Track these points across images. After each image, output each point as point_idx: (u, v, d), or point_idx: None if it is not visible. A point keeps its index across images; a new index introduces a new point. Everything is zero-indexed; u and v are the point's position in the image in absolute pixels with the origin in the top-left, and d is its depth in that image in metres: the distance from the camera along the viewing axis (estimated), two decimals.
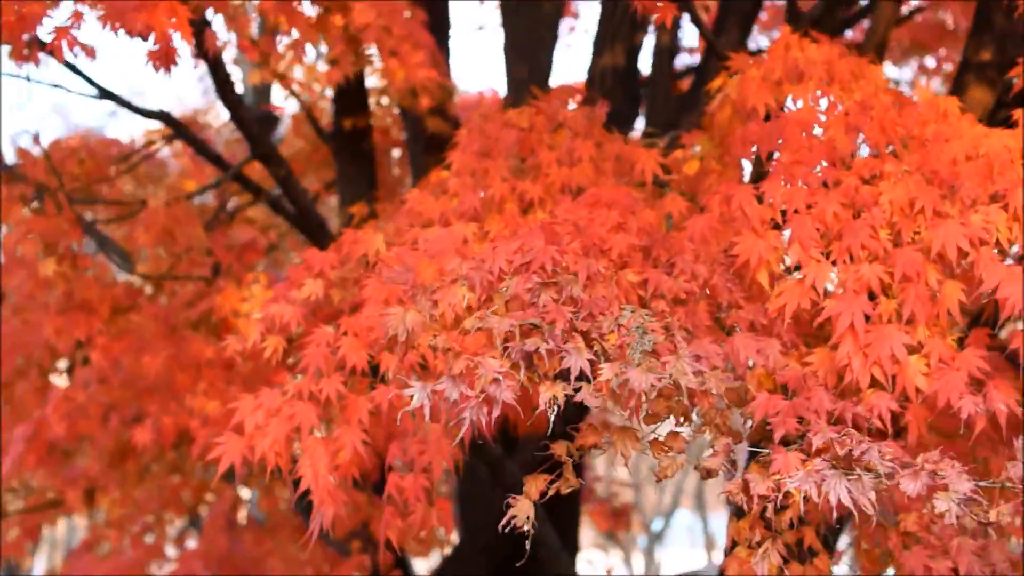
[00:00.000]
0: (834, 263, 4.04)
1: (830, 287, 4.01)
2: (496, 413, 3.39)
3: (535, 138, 4.88)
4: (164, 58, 5.06)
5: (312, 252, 4.64)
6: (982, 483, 3.57)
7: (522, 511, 3.64)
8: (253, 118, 6.34)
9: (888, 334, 3.87)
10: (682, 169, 4.92)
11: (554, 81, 7.82)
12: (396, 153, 8.71)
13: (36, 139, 6.26)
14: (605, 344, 3.52)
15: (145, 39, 4.94)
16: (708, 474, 3.72)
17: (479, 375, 3.37)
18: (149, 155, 6.75)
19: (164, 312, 6.37)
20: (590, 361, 3.45)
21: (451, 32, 8.01)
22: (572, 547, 7.44)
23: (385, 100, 7.97)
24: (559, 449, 3.70)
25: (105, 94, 6.08)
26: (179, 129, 6.33)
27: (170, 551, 8.59)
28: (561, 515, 6.81)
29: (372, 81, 7.71)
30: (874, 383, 3.89)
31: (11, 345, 6.51)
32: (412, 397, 3.39)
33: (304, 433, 4.04)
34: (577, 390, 3.44)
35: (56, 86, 5.95)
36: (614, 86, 7.05)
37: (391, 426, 4.24)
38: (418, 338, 3.71)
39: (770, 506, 3.59)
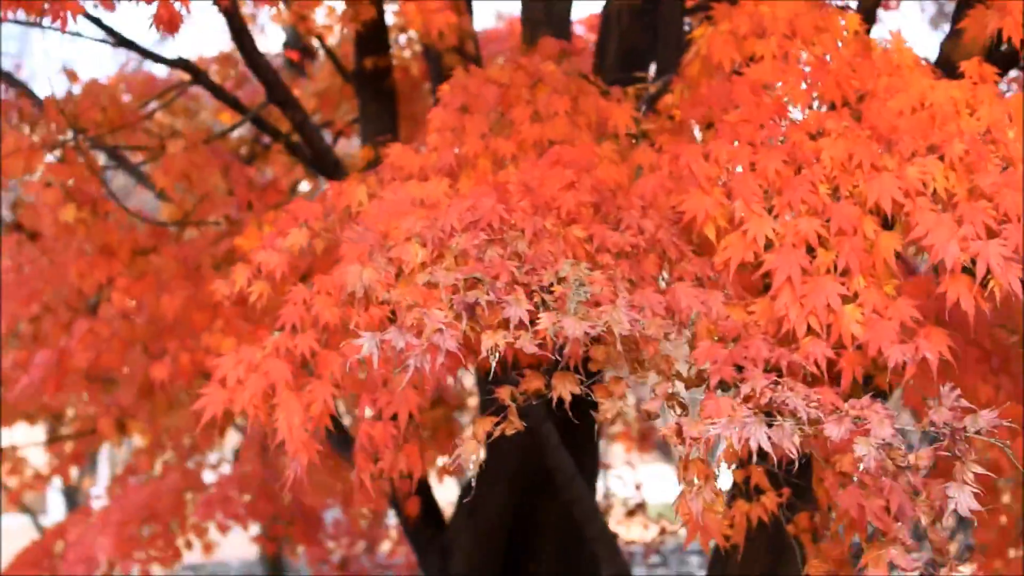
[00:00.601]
0: (776, 218, 4.25)
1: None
2: (440, 360, 3.66)
3: (514, 94, 5.09)
4: (168, 22, 5.29)
5: (298, 202, 4.89)
6: (908, 428, 3.79)
7: (467, 451, 3.92)
8: (269, 64, 6.57)
9: (823, 285, 4.09)
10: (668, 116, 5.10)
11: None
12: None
13: (73, 75, 6.56)
14: (546, 296, 3.78)
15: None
16: (649, 416, 3.97)
17: (425, 325, 3.64)
18: (179, 94, 6.99)
19: (185, 253, 6.65)
20: (531, 311, 3.72)
21: None
22: (591, 472, 7.66)
23: (404, 39, 8.16)
24: (503, 393, 3.96)
25: (122, 42, 6.32)
26: (197, 75, 6.57)
27: (208, 477, 8.97)
28: (577, 443, 7.02)
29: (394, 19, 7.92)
30: (812, 332, 4.10)
31: (40, 283, 6.84)
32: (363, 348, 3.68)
33: (279, 388, 4.30)
34: (518, 339, 3.70)
35: (76, 34, 6.18)
36: (631, 24, 7.13)
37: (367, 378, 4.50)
38: (376, 294, 3.98)
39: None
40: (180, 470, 8.41)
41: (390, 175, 4.90)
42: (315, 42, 8.29)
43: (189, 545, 8.47)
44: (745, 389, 3.75)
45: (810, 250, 4.17)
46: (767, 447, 3.59)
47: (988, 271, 3.98)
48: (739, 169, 4.35)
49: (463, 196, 4.11)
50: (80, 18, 5.20)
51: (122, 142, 6.54)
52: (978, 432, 3.76)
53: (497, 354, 3.65)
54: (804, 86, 4.72)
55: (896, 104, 4.49)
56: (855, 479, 4.10)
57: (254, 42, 6.40)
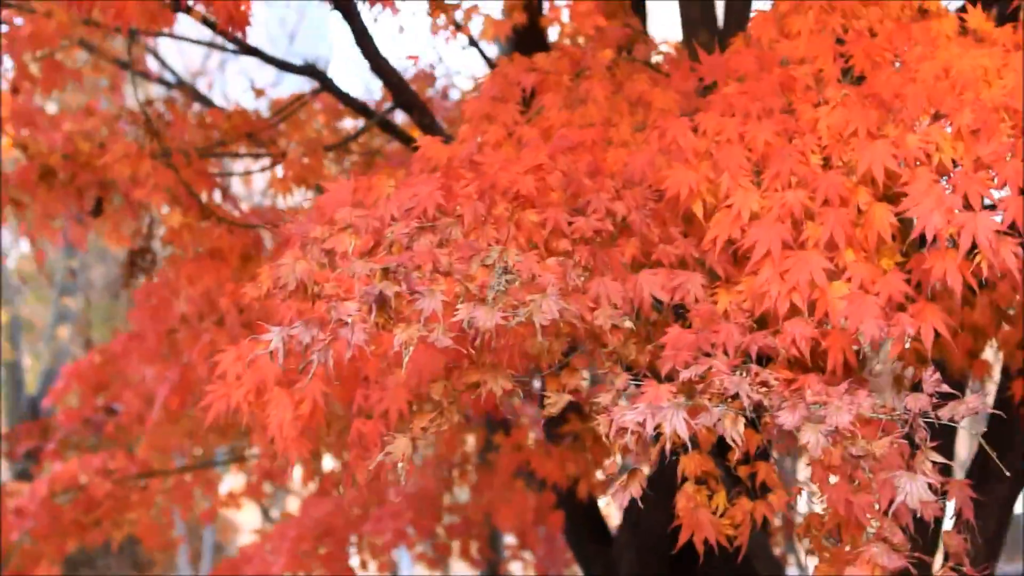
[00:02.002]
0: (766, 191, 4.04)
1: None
2: (348, 355, 3.58)
3: (553, 80, 4.97)
4: (234, 20, 5.35)
5: (325, 198, 4.87)
6: (877, 415, 3.56)
7: (398, 449, 3.82)
8: (392, 67, 6.58)
9: (808, 259, 3.87)
10: None
11: None
12: None
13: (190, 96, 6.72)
14: (468, 285, 3.66)
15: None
16: (601, 410, 3.80)
17: (330, 318, 3.57)
18: (301, 105, 7.07)
19: None
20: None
21: None
22: None
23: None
24: (436, 390, 3.85)
25: (248, 49, 6.45)
26: (325, 81, 6.65)
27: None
28: None
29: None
30: (799, 312, 3.89)
31: (167, 293, 6.98)
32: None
33: (269, 385, 4.28)
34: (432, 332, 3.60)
35: (197, 42, 6.34)
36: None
37: (360, 373, 4.44)
38: (312, 286, 3.91)
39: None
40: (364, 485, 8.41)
41: (419, 167, 4.83)
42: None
43: (364, 564, 8.48)
44: (685, 375, 3.57)
45: (799, 224, 3.93)
46: (683, 434, 3.41)
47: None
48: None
49: (410, 183, 4.00)
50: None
51: (243, 149, 6.64)
52: (952, 420, 3.53)
53: (410, 350, 3.55)
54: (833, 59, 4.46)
55: (921, 73, 4.21)
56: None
57: (375, 45, 6.41)
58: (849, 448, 3.51)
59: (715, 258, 4.02)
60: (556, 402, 3.82)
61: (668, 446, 3.49)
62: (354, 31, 6.39)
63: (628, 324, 3.82)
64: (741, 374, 3.59)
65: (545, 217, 3.95)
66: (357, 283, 3.64)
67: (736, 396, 3.51)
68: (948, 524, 4.06)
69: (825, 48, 4.50)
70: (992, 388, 6.10)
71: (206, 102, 7.94)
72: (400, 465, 3.75)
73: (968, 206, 3.78)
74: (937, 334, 3.83)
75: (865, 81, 4.24)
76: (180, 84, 8.27)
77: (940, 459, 3.52)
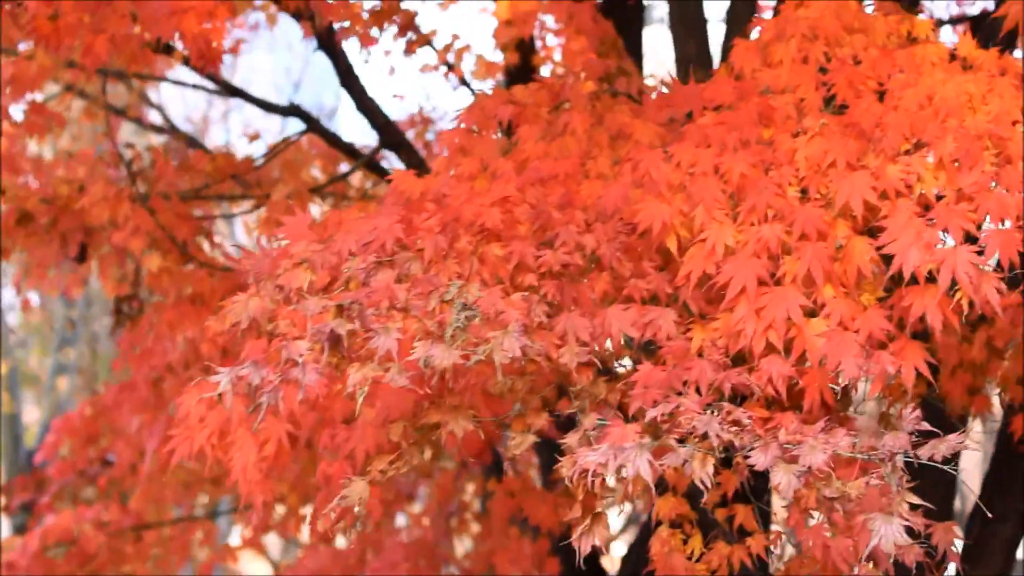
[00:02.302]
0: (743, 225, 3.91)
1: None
2: (300, 397, 3.45)
3: (531, 112, 4.84)
4: (206, 58, 5.26)
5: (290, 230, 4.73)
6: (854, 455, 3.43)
7: (355, 493, 3.68)
8: (378, 107, 6.49)
9: (784, 296, 3.72)
10: None
11: None
12: None
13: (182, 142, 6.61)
14: (427, 322, 3.53)
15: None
16: (566, 451, 3.67)
17: (281, 358, 3.45)
18: (286, 146, 6.97)
19: None
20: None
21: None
22: None
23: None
24: (395, 431, 3.72)
25: (232, 91, 6.36)
26: (311, 123, 6.55)
27: None
28: None
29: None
30: (775, 349, 3.75)
31: (149, 341, 6.85)
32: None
33: (233, 427, 4.14)
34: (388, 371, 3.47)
35: (179, 83, 6.26)
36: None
37: (327, 412, 4.31)
38: (266, 324, 3.78)
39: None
40: (363, 532, 8.29)
41: (391, 201, 4.71)
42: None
43: None
44: (651, 413, 3.43)
45: (776, 259, 3.79)
46: (647, 475, 3.28)
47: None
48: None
49: (369, 216, 3.87)
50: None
51: (227, 191, 6.53)
52: (932, 460, 3.40)
53: (364, 391, 3.42)
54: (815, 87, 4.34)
55: (904, 101, 4.07)
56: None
57: (361, 84, 6.32)
58: (823, 490, 3.36)
59: (689, 294, 3.87)
60: (520, 443, 3.69)
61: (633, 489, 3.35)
62: (339, 71, 6.32)
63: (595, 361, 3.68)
64: (712, 413, 3.45)
65: (510, 251, 3.81)
66: (309, 321, 3.51)
67: (705, 436, 3.37)
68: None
69: (807, 77, 4.38)
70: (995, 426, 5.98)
71: (202, 148, 7.83)
72: (357, 509, 3.60)
73: (950, 239, 3.63)
74: (933, 368, 3.67)
75: (845, 110, 4.10)
76: (174, 130, 8.18)
77: (918, 501, 3.36)
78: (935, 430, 3.50)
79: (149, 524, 8.32)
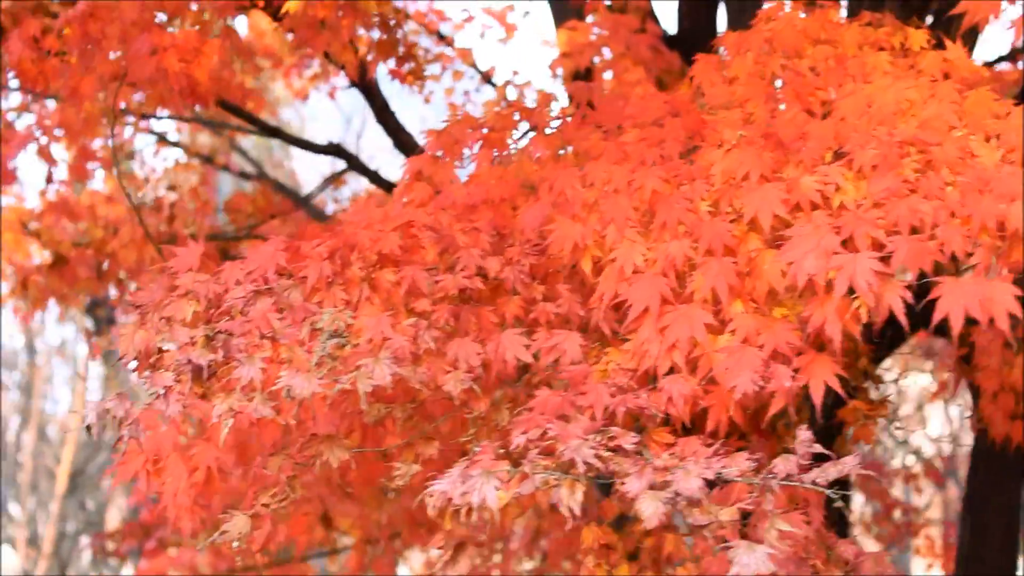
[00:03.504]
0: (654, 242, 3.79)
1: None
2: (164, 428, 3.43)
3: (496, 137, 4.77)
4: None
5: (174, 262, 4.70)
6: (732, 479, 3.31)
7: (236, 527, 3.63)
8: (415, 142, 6.45)
9: (689, 314, 3.59)
10: None
11: None
12: None
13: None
14: (297, 350, 3.48)
15: None
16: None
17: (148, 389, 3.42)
18: (327, 184, 6.97)
19: None
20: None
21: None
22: None
23: None
24: (273, 464, 3.66)
25: (270, 131, 6.38)
26: (351, 160, 6.54)
27: None
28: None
29: None
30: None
31: None
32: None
33: (166, 452, 4.14)
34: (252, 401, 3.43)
35: (207, 124, 6.31)
36: None
37: (259, 439, 4.26)
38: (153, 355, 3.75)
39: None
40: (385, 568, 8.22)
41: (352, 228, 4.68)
42: None
43: None
44: (518, 440, 3.33)
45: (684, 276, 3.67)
46: (493, 503, 3.18)
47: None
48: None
49: (255, 248, 3.83)
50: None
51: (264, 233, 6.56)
52: (815, 483, 3.25)
53: (230, 422, 3.38)
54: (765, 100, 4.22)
55: (842, 109, 3.93)
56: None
57: (397, 120, 6.30)
58: (688, 517, 3.22)
59: (601, 315, 3.74)
60: (404, 473, 3.59)
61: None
62: (374, 108, 6.30)
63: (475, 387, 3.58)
64: (597, 438, 3.33)
65: (401, 276, 3.72)
66: (176, 352, 3.48)
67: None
68: None
69: (758, 91, 4.22)
70: None
71: (286, 192, 7.89)
72: (236, 544, 3.54)
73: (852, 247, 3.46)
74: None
75: (766, 122, 3.96)
76: (261, 176, 8.25)
77: (788, 527, 3.19)
78: (828, 452, 3.31)
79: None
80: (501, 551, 8.35)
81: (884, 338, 6.12)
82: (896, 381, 6.45)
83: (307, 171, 16.43)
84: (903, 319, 3.42)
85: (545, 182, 3.99)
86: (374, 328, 3.54)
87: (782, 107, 4.19)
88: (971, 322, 3.49)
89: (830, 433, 4.71)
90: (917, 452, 12.46)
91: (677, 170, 3.83)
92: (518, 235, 3.95)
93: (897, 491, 14.57)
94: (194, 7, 5.50)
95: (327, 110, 22.05)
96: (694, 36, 7.14)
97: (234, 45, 5.66)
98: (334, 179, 7.16)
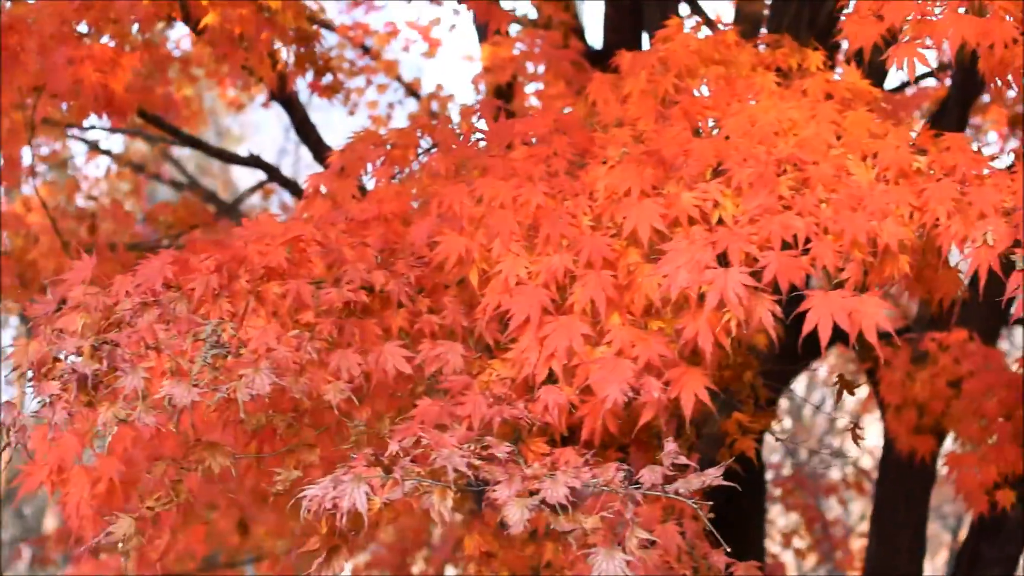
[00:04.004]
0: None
1: None
2: (52, 436, 3.49)
3: (398, 154, 4.83)
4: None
5: (73, 274, 4.73)
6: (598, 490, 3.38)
7: (120, 529, 3.69)
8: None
9: (568, 325, 3.68)
10: None
11: None
12: None
13: None
14: (180, 360, 3.55)
15: None
16: None
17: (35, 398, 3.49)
18: (250, 194, 7.04)
19: None
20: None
21: None
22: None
23: None
24: (158, 469, 3.72)
25: (190, 142, 6.45)
26: (271, 172, 6.61)
27: None
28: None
29: None
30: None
31: None
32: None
33: (68, 464, 4.18)
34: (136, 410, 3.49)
35: (137, 134, 6.37)
36: None
37: (159, 450, 4.32)
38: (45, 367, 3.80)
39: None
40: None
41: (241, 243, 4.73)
42: None
43: None
44: (392, 448, 3.40)
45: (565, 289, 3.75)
46: (362, 508, 3.26)
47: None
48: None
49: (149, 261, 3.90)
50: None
51: (186, 243, 6.60)
52: (678, 493, 3.33)
53: (114, 430, 3.45)
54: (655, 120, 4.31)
55: (726, 128, 4.03)
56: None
57: (317, 133, 6.36)
58: (552, 523, 3.30)
59: (484, 327, 3.83)
60: (285, 479, 3.66)
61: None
62: (294, 120, 6.36)
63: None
64: (472, 447, 3.41)
65: (286, 289, 3.80)
66: (63, 362, 3.55)
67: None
68: None
69: (648, 109, 4.31)
70: None
71: (216, 201, 7.95)
72: (120, 546, 3.61)
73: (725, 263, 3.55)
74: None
75: (647, 139, 4.05)
76: (193, 185, 8.30)
77: (646, 536, 3.27)
78: (692, 464, 3.39)
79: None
80: (425, 558, 8.43)
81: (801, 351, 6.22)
82: (786, 391, 6.54)
83: (249, 180, 16.40)
84: (772, 332, 3.51)
85: (435, 198, 4.06)
86: (258, 339, 3.61)
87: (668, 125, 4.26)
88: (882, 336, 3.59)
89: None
90: (855, 463, 12.57)
91: (562, 186, 3.91)
92: (408, 249, 4.01)
93: (834, 504, 14.71)
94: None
95: (273, 118, 21.69)
96: (619, 50, 7.21)
97: (153, 57, 5.70)
98: (255, 190, 7.22)
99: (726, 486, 3.41)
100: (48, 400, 3.46)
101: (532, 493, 3.31)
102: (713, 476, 3.37)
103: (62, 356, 3.58)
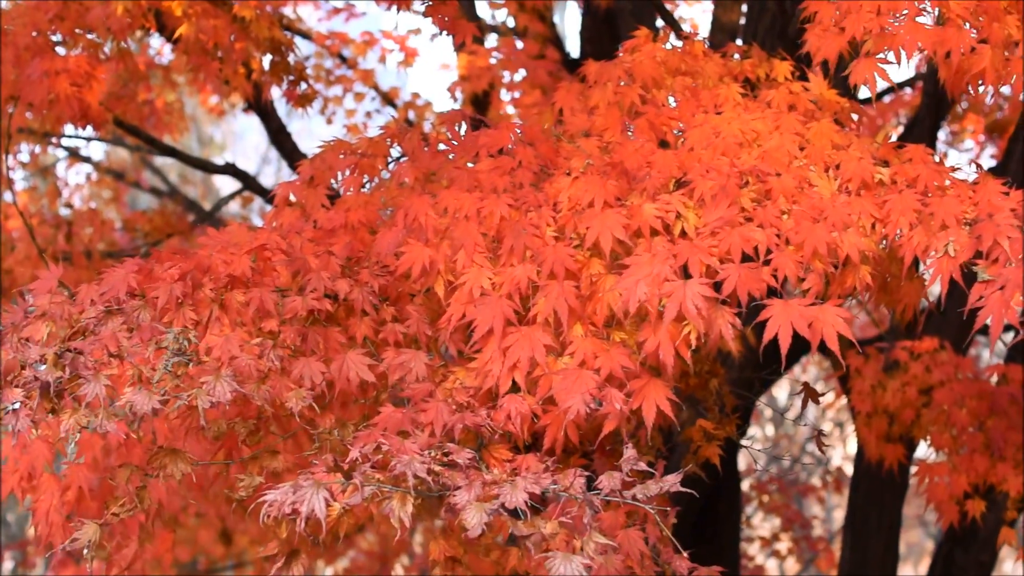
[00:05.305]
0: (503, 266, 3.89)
1: None
2: (15, 443, 3.51)
3: (367, 164, 4.85)
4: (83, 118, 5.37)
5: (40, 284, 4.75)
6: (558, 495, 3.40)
7: (86, 535, 3.71)
8: None
9: (530, 336, 3.70)
10: None
11: None
12: None
13: None
14: (142, 368, 3.57)
15: None
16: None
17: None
18: (224, 203, 7.06)
19: None
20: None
21: None
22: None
23: None
24: (121, 475, 3.75)
25: (166, 150, 6.47)
26: (246, 181, 6.63)
27: None
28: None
29: None
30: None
31: None
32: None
33: (38, 471, 4.21)
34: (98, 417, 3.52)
35: (116, 143, 6.40)
36: None
37: (128, 458, 4.34)
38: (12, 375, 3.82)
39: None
40: None
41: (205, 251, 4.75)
42: None
43: None
44: (353, 454, 3.43)
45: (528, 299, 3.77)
46: (321, 513, 3.29)
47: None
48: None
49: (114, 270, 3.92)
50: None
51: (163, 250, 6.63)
52: (635, 499, 3.36)
53: (76, 437, 3.48)
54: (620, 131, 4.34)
55: (690, 140, 4.06)
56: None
57: (293, 142, 6.39)
58: (512, 528, 3.33)
59: (448, 336, 3.85)
60: (248, 484, 3.69)
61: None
62: (269, 130, 6.37)
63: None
64: (433, 453, 3.44)
65: (250, 297, 3.82)
66: (28, 370, 3.57)
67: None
68: None
69: (615, 120, 4.34)
70: None
71: (196, 209, 7.98)
72: (86, 552, 3.64)
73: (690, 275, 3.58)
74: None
75: (613, 150, 4.07)
76: (173, 194, 8.34)
77: (604, 541, 3.31)
78: (651, 470, 3.42)
79: None
80: (405, 566, 8.45)
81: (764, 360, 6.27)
82: (759, 399, 6.56)
83: (231, 188, 16.35)
84: (731, 343, 3.54)
85: (401, 209, 4.08)
86: (221, 347, 3.63)
87: (633, 136, 4.29)
88: (847, 345, 3.61)
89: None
90: (837, 470, 12.61)
91: (526, 197, 3.93)
92: (373, 258, 4.04)
93: (816, 509, 14.74)
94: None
95: (256, 126, 21.55)
96: (596, 59, 7.24)
97: (128, 66, 5.73)
98: (233, 197, 7.25)
99: (701, 491, 3.44)
100: (12, 408, 3.46)
101: (488, 498, 3.33)
102: (672, 483, 3.40)
103: (27, 364, 3.59)
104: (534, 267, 3.74)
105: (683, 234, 3.74)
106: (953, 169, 3.89)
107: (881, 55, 4.06)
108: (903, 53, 3.97)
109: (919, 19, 4.01)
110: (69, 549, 3.69)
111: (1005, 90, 6.83)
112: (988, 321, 3.45)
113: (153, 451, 3.71)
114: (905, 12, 4.03)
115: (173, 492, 4.00)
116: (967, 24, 3.96)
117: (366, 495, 3.32)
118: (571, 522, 3.35)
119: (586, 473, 3.43)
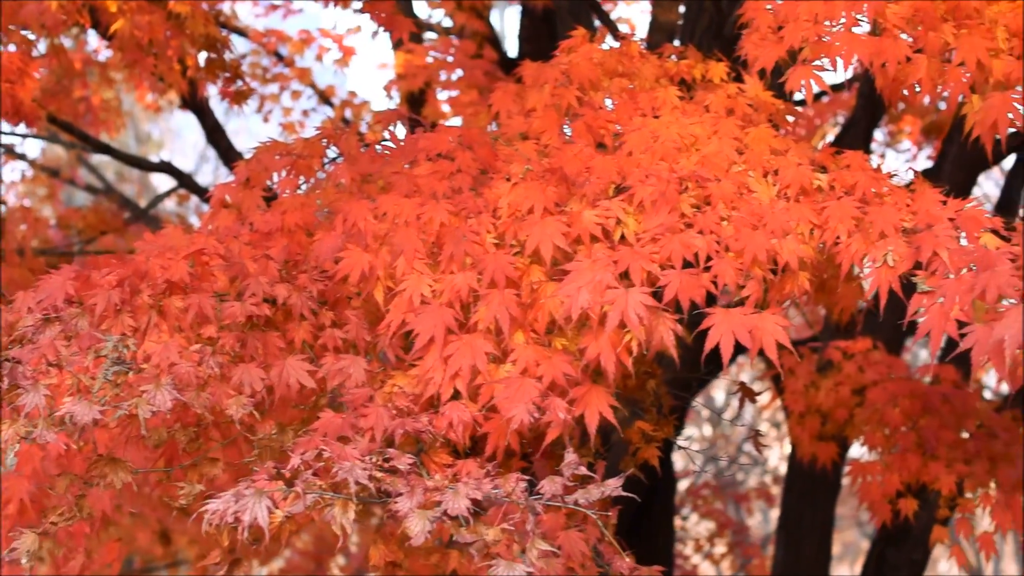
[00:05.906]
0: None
1: None
2: None
3: (303, 164, 4.82)
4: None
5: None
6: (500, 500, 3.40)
7: (24, 544, 3.68)
8: None
9: (472, 344, 3.69)
10: None
11: None
12: None
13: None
14: (82, 377, 3.55)
15: None
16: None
17: None
18: (158, 201, 7.02)
19: None
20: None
21: None
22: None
23: None
24: (60, 484, 3.72)
25: (100, 147, 6.42)
26: (182, 179, 6.60)
27: None
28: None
29: None
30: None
31: None
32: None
33: None
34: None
35: (51, 140, 6.35)
36: None
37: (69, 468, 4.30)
38: None
39: None
40: None
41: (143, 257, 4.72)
42: None
43: None
44: (294, 461, 3.42)
45: (469, 307, 3.77)
46: (263, 522, 3.27)
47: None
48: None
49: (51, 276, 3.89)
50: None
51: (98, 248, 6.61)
52: (577, 504, 3.35)
53: (16, 447, 3.45)
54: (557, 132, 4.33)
55: (628, 144, 4.05)
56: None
57: (228, 140, 6.35)
58: (455, 534, 3.33)
59: (387, 342, 3.84)
60: (188, 492, 3.68)
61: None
62: (205, 127, 6.34)
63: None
64: (373, 459, 3.43)
65: (189, 303, 3.80)
66: None
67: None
68: None
69: (552, 123, 4.34)
70: None
71: (131, 207, 7.92)
72: (24, 562, 3.61)
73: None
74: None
75: (551, 154, 4.07)
76: (108, 191, 8.27)
77: (547, 547, 3.31)
78: (592, 475, 3.43)
79: None
80: (340, 566, 8.43)
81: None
82: (695, 400, 6.59)
83: (168, 185, 16.21)
84: (673, 351, 3.55)
85: (339, 214, 4.07)
86: (160, 354, 3.61)
87: (570, 140, 4.29)
88: (781, 347, 3.63)
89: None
90: (773, 471, 12.68)
91: (466, 203, 3.93)
92: (312, 263, 4.02)
93: (758, 512, 14.79)
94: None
95: (194, 123, 21.38)
96: (534, 59, 7.24)
97: (62, 63, 5.69)
98: (168, 195, 7.21)
99: (639, 491, 3.44)
100: None
101: (430, 504, 3.33)
102: (613, 487, 3.40)
103: None
104: (475, 275, 3.73)
105: (623, 240, 3.72)
106: (890, 176, 3.91)
107: (818, 62, 4.07)
108: (840, 62, 3.98)
109: (855, 29, 4.02)
110: (8, 559, 3.65)
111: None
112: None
113: (93, 460, 3.68)
114: (843, 20, 4.05)
115: (112, 498, 3.97)
116: (903, 34, 3.98)
117: (308, 503, 3.31)
118: (513, 528, 3.34)
119: (526, 478, 3.43)
